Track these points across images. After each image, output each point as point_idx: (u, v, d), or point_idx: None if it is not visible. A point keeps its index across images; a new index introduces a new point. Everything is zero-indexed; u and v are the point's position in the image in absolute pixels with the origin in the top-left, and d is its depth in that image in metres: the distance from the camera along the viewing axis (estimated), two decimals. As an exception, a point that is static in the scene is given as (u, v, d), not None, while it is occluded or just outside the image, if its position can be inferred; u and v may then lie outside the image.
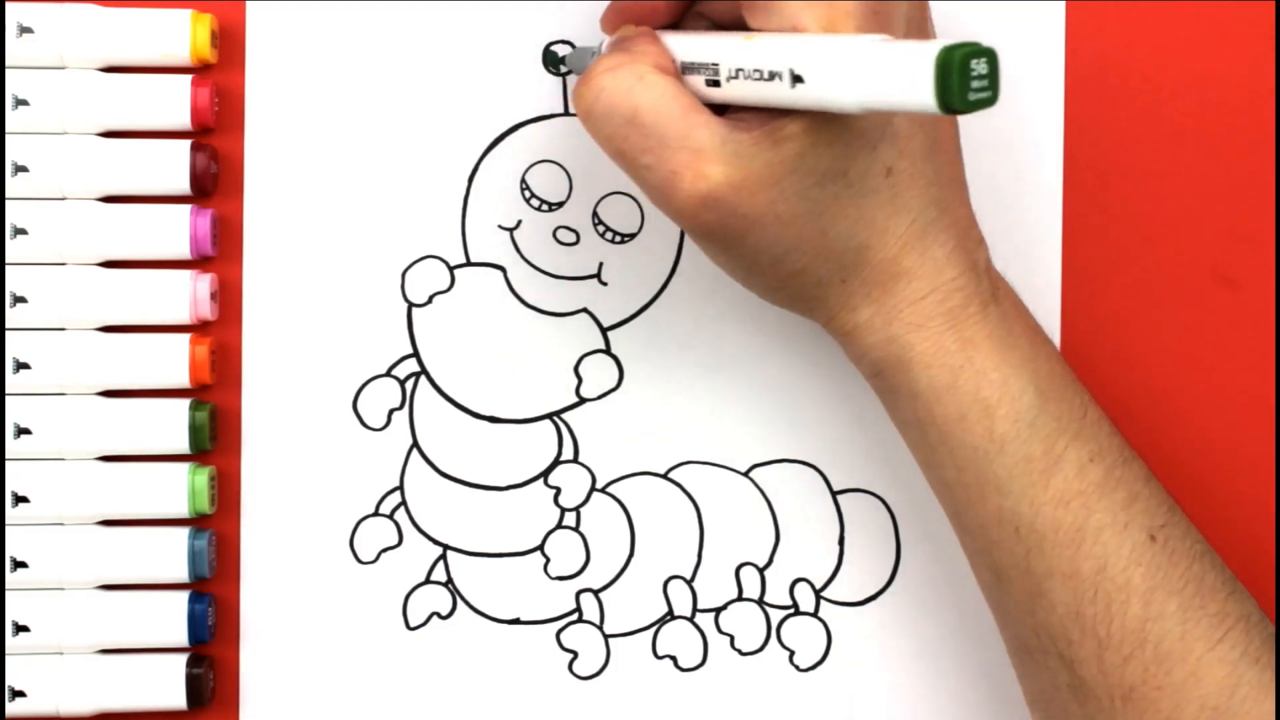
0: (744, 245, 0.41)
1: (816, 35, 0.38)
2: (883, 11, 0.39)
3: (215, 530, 0.49)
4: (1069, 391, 0.43)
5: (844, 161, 0.40)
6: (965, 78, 0.34)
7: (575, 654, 0.50)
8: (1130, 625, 0.41)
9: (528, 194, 0.49)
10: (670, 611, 0.50)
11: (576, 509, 0.50)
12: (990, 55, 0.35)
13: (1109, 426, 0.44)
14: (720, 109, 0.41)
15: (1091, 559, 0.42)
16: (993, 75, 0.35)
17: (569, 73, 0.49)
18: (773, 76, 0.38)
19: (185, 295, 0.48)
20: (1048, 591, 0.42)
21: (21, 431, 0.48)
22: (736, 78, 0.39)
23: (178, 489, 0.48)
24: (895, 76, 0.35)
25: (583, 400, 0.50)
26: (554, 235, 0.49)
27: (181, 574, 0.48)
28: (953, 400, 0.42)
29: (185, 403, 0.48)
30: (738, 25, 0.41)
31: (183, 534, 0.48)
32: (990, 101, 0.35)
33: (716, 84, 0.40)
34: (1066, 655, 0.42)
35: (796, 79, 0.37)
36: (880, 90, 0.36)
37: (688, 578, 0.50)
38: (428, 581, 0.49)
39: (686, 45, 0.41)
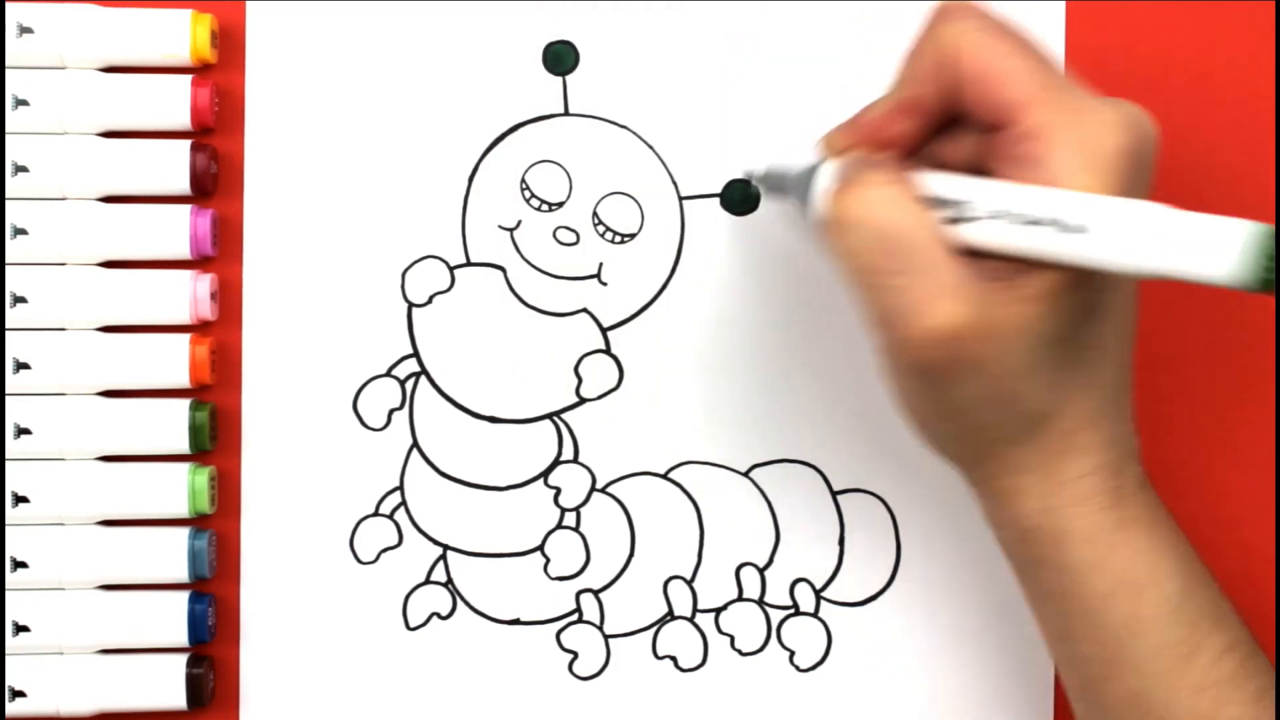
0: (954, 390, 0.40)
1: (1108, 196, 0.38)
2: (1137, 193, 0.39)
3: (215, 530, 0.49)
4: (1209, 579, 0.43)
5: (1074, 329, 0.40)
6: (1273, 257, 0.35)
7: (575, 654, 0.50)
8: None
9: (528, 194, 0.49)
10: (670, 612, 0.50)
11: (576, 509, 0.50)
12: None
13: (1238, 617, 0.43)
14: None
15: None
16: None
17: (569, 71, 0.49)
18: (1045, 223, 0.37)
19: (185, 295, 0.48)
20: None
21: (21, 431, 0.48)
22: (995, 220, 0.38)
23: (178, 489, 0.48)
24: (1195, 246, 0.36)
25: (583, 400, 0.50)
26: (554, 235, 0.49)
27: (181, 574, 0.48)
28: (1102, 578, 0.41)
29: (185, 403, 0.48)
30: (975, 173, 0.40)
31: (183, 534, 0.48)
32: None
33: (963, 221, 0.39)
34: None
35: (1075, 229, 0.37)
36: (1174, 258, 0.36)
37: (688, 578, 0.50)
38: (428, 581, 0.49)
39: (937, 179, 0.40)
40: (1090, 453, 0.41)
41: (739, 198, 0.49)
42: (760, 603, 0.50)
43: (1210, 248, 0.36)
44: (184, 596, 0.48)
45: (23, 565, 0.48)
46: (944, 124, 0.42)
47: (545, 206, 0.49)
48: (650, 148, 0.49)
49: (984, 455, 0.42)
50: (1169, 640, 0.41)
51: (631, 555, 0.50)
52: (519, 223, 0.50)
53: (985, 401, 0.40)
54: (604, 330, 0.50)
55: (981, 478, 0.42)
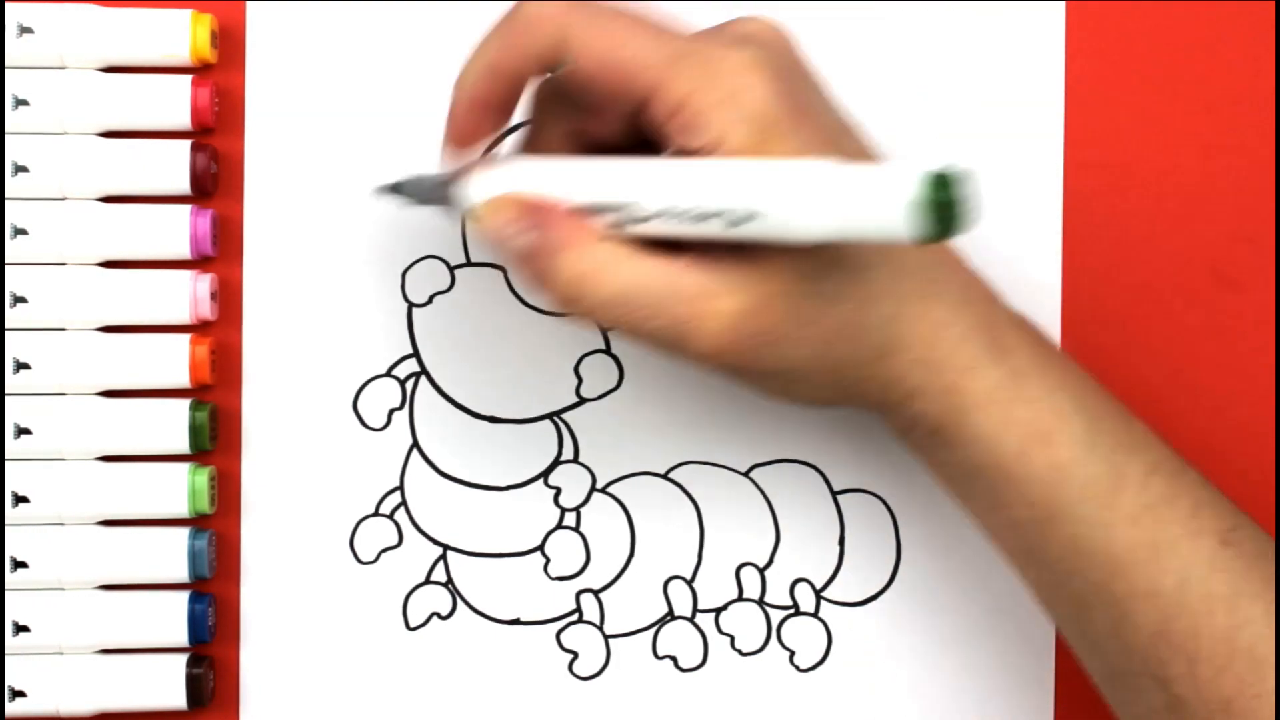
0: (778, 361, 0.40)
1: (773, 161, 0.37)
2: (808, 114, 0.38)
3: (215, 530, 0.49)
4: (1113, 407, 0.43)
5: (834, 249, 0.39)
6: (950, 203, 0.33)
7: (575, 654, 0.50)
8: (1219, 636, 0.40)
9: (528, 194, 0.49)
10: (670, 612, 0.50)
11: (576, 509, 0.50)
12: (968, 175, 0.33)
13: (1156, 436, 0.43)
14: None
15: (1171, 574, 0.41)
16: (975, 195, 0.33)
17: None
18: (716, 215, 0.36)
19: (185, 295, 0.48)
20: (1132, 613, 0.41)
21: (21, 431, 0.48)
22: (662, 217, 0.37)
23: (178, 489, 0.48)
24: (869, 206, 0.33)
25: (583, 400, 0.50)
26: (554, 235, 0.49)
27: (181, 574, 0.48)
28: (1012, 436, 0.41)
29: (185, 403, 0.48)
30: (620, 137, 0.40)
31: (183, 534, 0.48)
32: (969, 225, 0.33)
33: (637, 221, 0.38)
34: (1159, 675, 0.41)
35: (747, 217, 0.35)
36: (852, 222, 0.34)
37: (688, 578, 0.50)
38: (428, 581, 0.49)
39: (580, 179, 0.39)
40: (951, 322, 0.41)
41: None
42: (760, 603, 0.50)
43: (884, 204, 0.33)
44: (184, 596, 0.48)
45: (23, 565, 0.48)
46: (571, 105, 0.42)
47: (545, 206, 0.49)
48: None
49: (860, 385, 0.42)
50: (1091, 477, 0.41)
51: (631, 555, 0.50)
52: (519, 223, 0.49)
53: (817, 350, 0.40)
54: (604, 330, 0.50)
55: (879, 398, 0.42)
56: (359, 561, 0.49)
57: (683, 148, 0.39)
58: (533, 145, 0.44)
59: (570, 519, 0.50)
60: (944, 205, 0.32)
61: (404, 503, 0.49)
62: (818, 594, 0.50)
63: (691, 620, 0.50)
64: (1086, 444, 0.41)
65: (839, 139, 0.41)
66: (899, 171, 0.33)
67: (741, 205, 0.36)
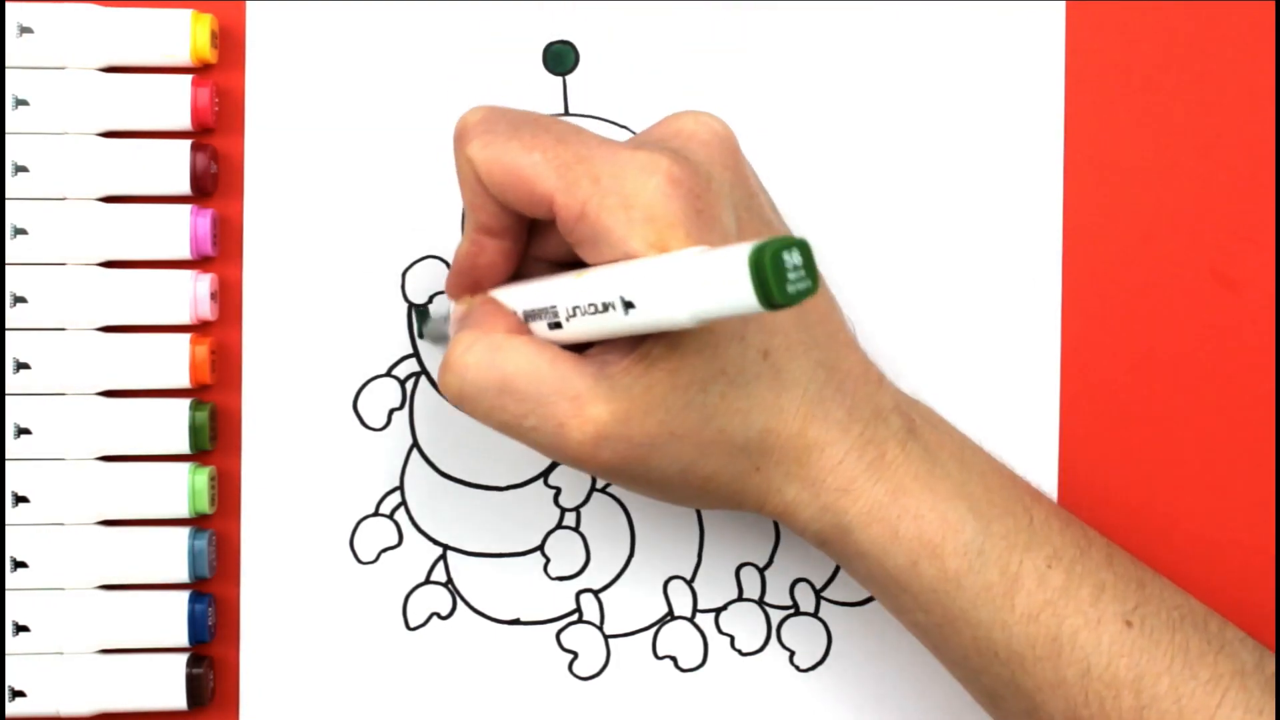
0: (650, 469, 0.41)
1: (643, 259, 0.38)
2: (706, 212, 0.39)
3: (215, 530, 0.49)
4: (1010, 502, 0.43)
5: (717, 361, 0.40)
6: (780, 273, 0.34)
7: (575, 654, 0.50)
8: (1127, 717, 0.41)
9: (528, 194, 0.49)
10: (670, 612, 0.50)
11: (576, 509, 0.50)
12: (802, 245, 0.35)
13: (1059, 521, 0.44)
14: (579, 349, 0.41)
15: (1074, 664, 0.42)
16: (808, 264, 0.35)
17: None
18: (606, 308, 0.38)
19: (185, 295, 0.48)
20: (1042, 704, 0.42)
21: (21, 431, 0.48)
22: (575, 316, 0.39)
23: (178, 489, 0.48)
24: (716, 285, 0.35)
25: (583, 400, 0.50)
26: (554, 235, 0.49)
27: (181, 574, 0.48)
28: (900, 551, 0.42)
29: (185, 403, 0.48)
30: (577, 264, 0.41)
31: (183, 534, 0.48)
32: (810, 291, 0.35)
33: (558, 325, 0.40)
34: None
35: (628, 305, 0.37)
36: (706, 301, 0.36)
37: (688, 578, 0.50)
38: (428, 581, 0.49)
39: (524, 294, 0.41)
40: (829, 442, 0.42)
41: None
42: (760, 603, 0.50)
43: (730, 282, 0.35)
44: (184, 596, 0.48)
45: (23, 565, 0.48)
46: (530, 226, 0.43)
47: (545, 206, 0.49)
48: (650, 148, 0.49)
49: (739, 493, 0.42)
50: (984, 584, 0.42)
51: (631, 555, 0.50)
52: (519, 223, 0.50)
53: (693, 459, 0.41)
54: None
55: (757, 508, 0.43)
56: (359, 561, 0.49)
57: (594, 256, 0.39)
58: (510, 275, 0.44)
59: (570, 519, 0.50)
60: (766, 276, 0.34)
61: (404, 503, 0.49)
62: (818, 594, 0.50)
63: (691, 620, 0.50)
64: (976, 551, 0.42)
65: (744, 229, 0.41)
66: (738, 249, 0.35)
67: (622, 296, 0.38)
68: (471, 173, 0.41)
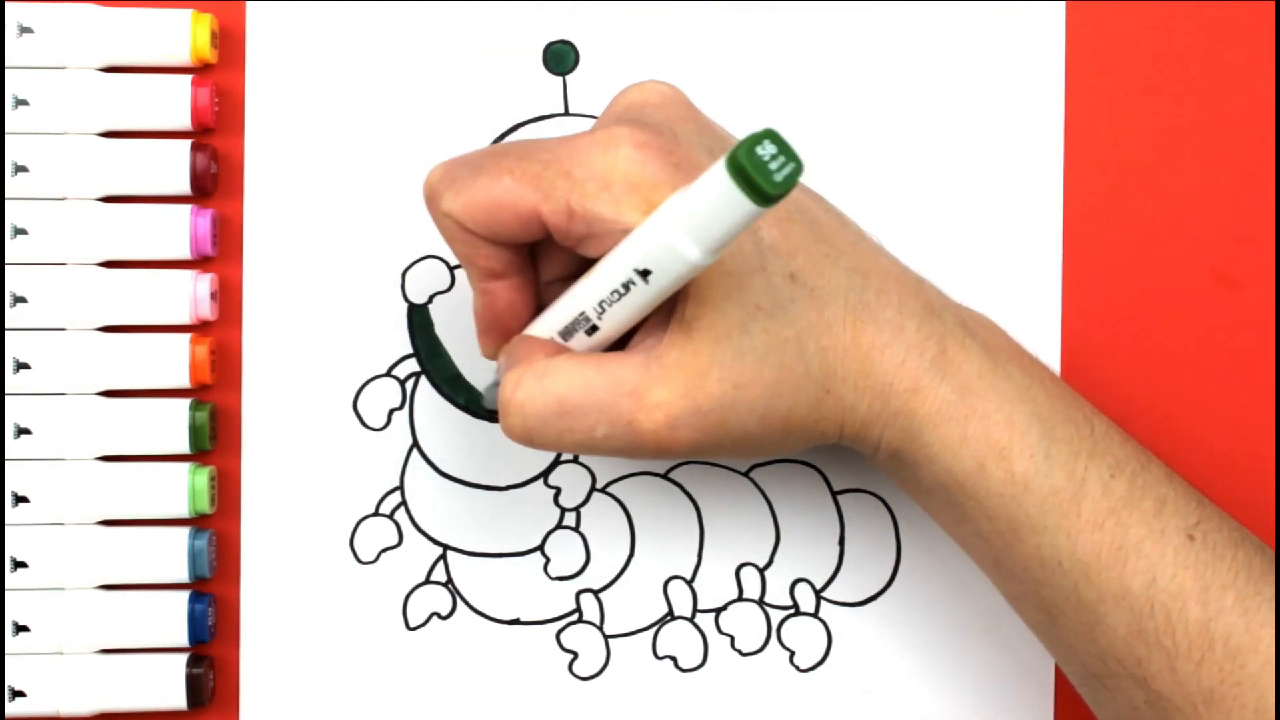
0: (730, 430, 0.40)
1: (638, 226, 0.38)
2: (683, 164, 0.39)
3: (215, 530, 0.49)
4: (1072, 410, 0.43)
5: (749, 299, 0.40)
6: (760, 165, 0.35)
7: (575, 654, 0.50)
8: (1194, 629, 0.41)
9: (528, 194, 0.49)
10: (670, 612, 0.50)
11: (576, 509, 0.50)
12: (771, 134, 0.35)
13: (1119, 434, 0.43)
14: (624, 345, 0.41)
15: (1139, 574, 0.41)
16: (784, 149, 0.35)
17: (569, 70, 0.49)
18: (628, 287, 0.38)
19: (185, 295, 0.48)
20: (1104, 616, 0.42)
21: (21, 431, 0.48)
22: (605, 310, 0.39)
23: (178, 489, 0.48)
24: (710, 208, 0.36)
25: (583, 400, 0.50)
26: (554, 235, 0.49)
27: (181, 574, 0.48)
28: (968, 452, 0.42)
29: (185, 403, 0.48)
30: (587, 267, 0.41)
31: (183, 534, 0.48)
32: (797, 171, 0.35)
33: (595, 328, 0.40)
34: (1138, 674, 0.42)
35: (645, 274, 0.38)
36: (708, 228, 0.36)
37: (688, 578, 0.50)
38: (428, 581, 0.49)
39: (552, 318, 0.41)
40: (886, 344, 0.41)
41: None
42: (760, 603, 0.50)
43: (720, 199, 0.35)
44: (184, 596, 0.48)
45: (23, 565, 0.48)
46: (533, 254, 0.43)
47: (545, 206, 0.49)
48: (650, 148, 0.49)
49: (820, 421, 0.42)
50: (1050, 488, 0.41)
51: (631, 555, 0.50)
52: (519, 223, 0.49)
53: (766, 404, 0.40)
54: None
55: (838, 436, 0.43)
56: (359, 561, 0.49)
57: (599, 249, 0.39)
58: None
59: (570, 519, 0.50)
60: (748, 174, 0.34)
61: (404, 503, 0.49)
62: (818, 594, 0.50)
63: (691, 620, 0.50)
64: (1043, 454, 0.42)
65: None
66: (714, 166, 0.35)
67: (635, 268, 0.38)
68: (454, 226, 0.41)
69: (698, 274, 0.38)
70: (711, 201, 0.35)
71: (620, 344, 0.41)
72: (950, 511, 0.43)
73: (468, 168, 0.41)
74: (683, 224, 0.36)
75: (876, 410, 0.42)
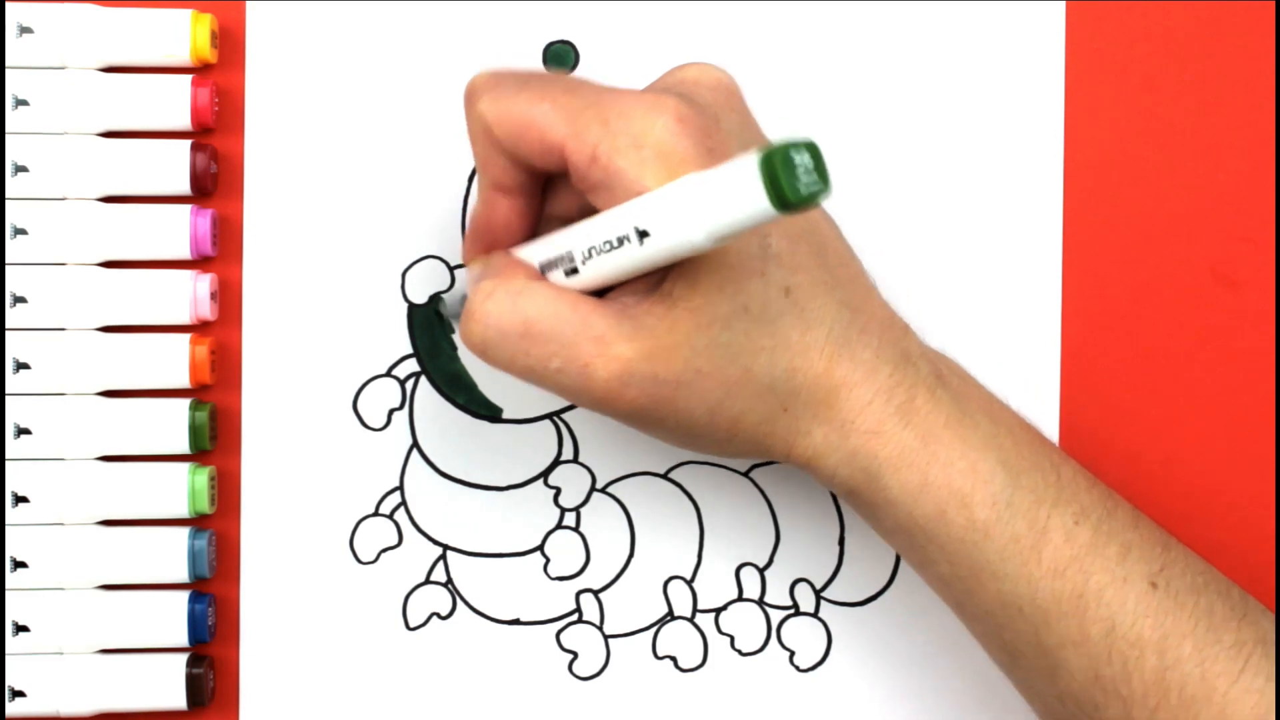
0: (677, 410, 0.40)
1: (657, 188, 0.38)
2: (716, 150, 0.39)
3: (215, 530, 0.49)
4: (1039, 457, 0.43)
5: (739, 298, 0.40)
6: (792, 172, 0.34)
7: (575, 654, 0.50)
8: (1150, 679, 0.41)
9: (527, 194, 0.49)
10: (670, 612, 0.50)
11: (576, 509, 0.50)
12: (811, 147, 0.35)
13: (1086, 479, 0.44)
14: (599, 296, 0.41)
15: (1099, 622, 0.41)
16: (819, 166, 0.35)
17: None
18: (621, 241, 0.38)
19: (185, 295, 0.48)
20: (1063, 662, 0.42)
21: (21, 431, 0.48)
22: (591, 257, 0.39)
23: (178, 489, 0.48)
24: (728, 196, 0.35)
25: (583, 400, 0.50)
26: (554, 235, 0.49)
27: (181, 574, 0.48)
28: (928, 498, 0.42)
29: (185, 403, 0.48)
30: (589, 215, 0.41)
31: (183, 534, 0.48)
32: (824, 192, 0.35)
33: (575, 271, 0.40)
34: (1095, 718, 0.42)
35: (643, 235, 0.38)
36: (720, 215, 0.36)
37: (688, 578, 0.50)
38: (428, 581, 0.49)
39: (539, 248, 0.41)
40: (856, 383, 0.42)
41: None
42: (760, 603, 0.50)
43: (742, 191, 0.35)
44: (184, 596, 0.48)
45: (23, 565, 0.48)
46: (544, 186, 0.43)
47: (545, 206, 0.49)
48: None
49: (766, 436, 0.42)
50: (1012, 535, 0.42)
51: (631, 555, 0.50)
52: (519, 223, 0.49)
53: (719, 398, 0.40)
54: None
55: (784, 455, 0.42)
56: (359, 561, 0.49)
57: (608, 201, 0.39)
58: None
59: (570, 519, 0.50)
60: (777, 175, 0.34)
61: (404, 503, 0.49)
62: (818, 594, 0.50)
63: (691, 620, 0.50)
64: (1005, 502, 0.42)
65: None
66: (748, 155, 0.35)
67: (636, 227, 0.38)
68: (483, 128, 0.41)
69: (691, 255, 0.38)
70: (732, 189, 0.35)
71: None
72: (912, 554, 0.43)
73: (515, 79, 0.41)
74: (697, 200, 0.36)
75: (833, 443, 0.42)
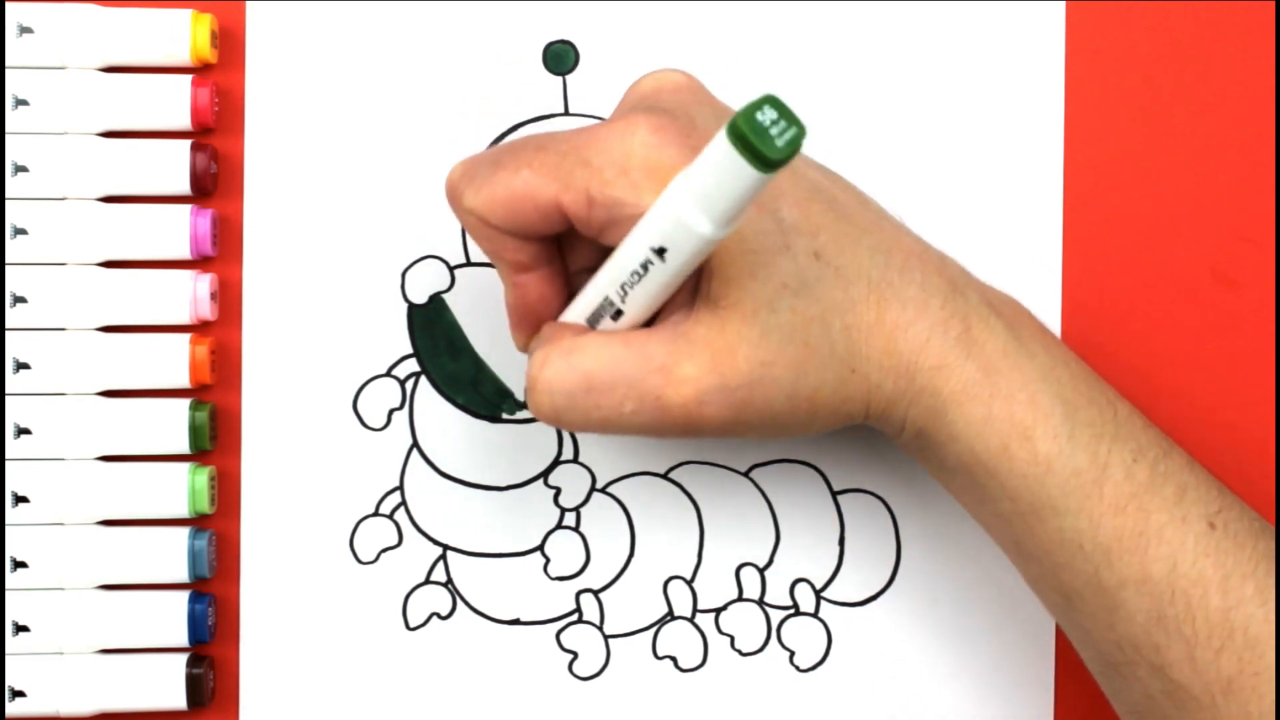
0: (756, 409, 0.40)
1: (652, 205, 0.38)
2: (698, 143, 0.39)
3: (215, 530, 0.49)
4: (1096, 393, 0.43)
5: (774, 278, 0.40)
6: (761, 130, 0.35)
7: (575, 654, 0.50)
8: (1214, 618, 0.41)
9: (528, 194, 0.49)
10: (670, 612, 0.50)
11: (576, 509, 0.50)
12: (771, 99, 0.35)
13: (1141, 420, 0.43)
14: (650, 324, 0.41)
15: (1160, 560, 0.41)
16: (784, 113, 0.35)
17: (569, 70, 0.49)
18: (646, 267, 0.38)
19: (185, 295, 0.48)
20: (1124, 602, 0.41)
21: (21, 431, 0.48)
22: (627, 293, 0.39)
23: (178, 489, 0.48)
24: (715, 179, 0.36)
25: (583, 400, 0.50)
26: (554, 235, 0.49)
27: (181, 574, 0.48)
28: (992, 432, 0.41)
29: (185, 403, 0.48)
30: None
31: (183, 534, 0.48)
32: (800, 134, 0.35)
33: (620, 312, 0.40)
34: (1155, 662, 0.41)
35: (661, 252, 0.38)
36: (714, 200, 0.36)
37: (688, 578, 0.50)
38: (428, 581, 0.49)
39: (578, 306, 0.42)
40: (910, 322, 0.41)
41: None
42: (760, 603, 0.50)
43: (725, 168, 0.35)
44: (184, 596, 0.48)
45: (23, 565, 0.48)
46: (560, 247, 0.43)
47: (545, 206, 0.49)
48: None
49: (846, 400, 0.42)
50: (1074, 469, 0.41)
51: (631, 555, 0.50)
52: (519, 223, 0.49)
53: (792, 382, 0.40)
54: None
55: (864, 415, 0.42)
56: (359, 561, 0.49)
57: (620, 236, 0.39)
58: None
59: (570, 519, 0.50)
60: (748, 140, 0.35)
61: (404, 503, 0.49)
62: (818, 594, 0.50)
63: (691, 620, 0.50)
64: (1067, 436, 0.41)
65: None
66: (716, 137, 0.35)
67: (651, 247, 0.38)
68: (477, 222, 0.41)
69: (712, 248, 0.38)
70: (715, 171, 0.36)
71: (646, 327, 0.41)
72: (972, 491, 0.43)
73: (486, 163, 0.41)
74: (690, 197, 0.36)
75: (901, 388, 0.42)
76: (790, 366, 0.40)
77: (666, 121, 0.39)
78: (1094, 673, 0.44)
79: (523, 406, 0.49)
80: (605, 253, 0.41)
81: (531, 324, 0.43)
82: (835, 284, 0.41)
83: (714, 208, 0.36)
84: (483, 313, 0.49)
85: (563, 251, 0.43)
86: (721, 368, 0.39)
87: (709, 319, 0.40)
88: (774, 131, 0.35)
